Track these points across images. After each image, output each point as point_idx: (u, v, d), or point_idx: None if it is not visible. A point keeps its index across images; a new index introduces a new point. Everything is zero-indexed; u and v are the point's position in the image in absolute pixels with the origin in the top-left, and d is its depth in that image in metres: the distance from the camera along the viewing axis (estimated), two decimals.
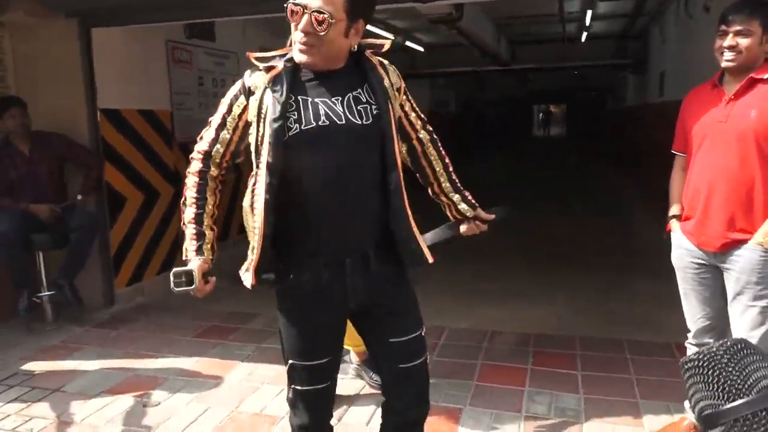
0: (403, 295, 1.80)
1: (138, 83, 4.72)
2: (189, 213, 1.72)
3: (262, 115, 1.59)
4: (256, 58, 1.65)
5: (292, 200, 1.62)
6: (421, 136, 1.88)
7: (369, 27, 6.37)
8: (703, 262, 2.26)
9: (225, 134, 1.70)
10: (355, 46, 1.67)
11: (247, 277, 1.70)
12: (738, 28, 2.06)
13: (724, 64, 2.13)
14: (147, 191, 4.77)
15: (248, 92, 1.64)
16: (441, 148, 1.93)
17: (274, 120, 1.56)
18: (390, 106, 1.66)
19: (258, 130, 1.61)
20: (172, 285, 1.63)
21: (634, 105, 11.45)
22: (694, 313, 2.37)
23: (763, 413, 0.96)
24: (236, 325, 4.02)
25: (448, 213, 2.01)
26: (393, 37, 1.60)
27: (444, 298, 4.39)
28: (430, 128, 1.91)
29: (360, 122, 1.60)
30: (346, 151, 1.60)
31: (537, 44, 10.80)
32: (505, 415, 2.76)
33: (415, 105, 1.85)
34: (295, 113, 1.58)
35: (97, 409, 2.92)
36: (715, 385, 0.99)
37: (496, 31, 8.80)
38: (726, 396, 0.98)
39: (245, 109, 1.65)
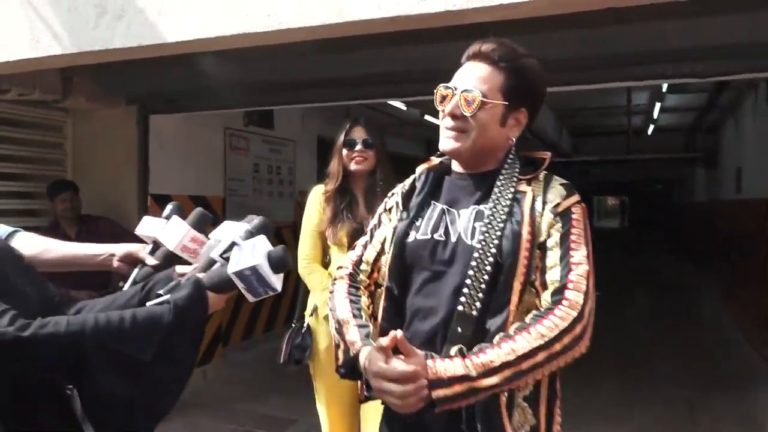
0: None
1: (193, 169, 4.68)
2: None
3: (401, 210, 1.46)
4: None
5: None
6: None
7: (428, 117, 6.06)
8: None
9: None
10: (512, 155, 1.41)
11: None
12: None
13: None
14: None
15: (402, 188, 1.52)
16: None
17: (400, 220, 1.43)
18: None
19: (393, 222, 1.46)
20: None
21: (705, 200, 10.87)
22: None
23: None
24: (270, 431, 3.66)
25: None
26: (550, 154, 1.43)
27: None
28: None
29: (470, 242, 1.32)
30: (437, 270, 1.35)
31: (600, 136, 10.55)
32: None
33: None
34: (421, 219, 1.40)
35: None
36: None
37: (557, 122, 8.61)
38: None
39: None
